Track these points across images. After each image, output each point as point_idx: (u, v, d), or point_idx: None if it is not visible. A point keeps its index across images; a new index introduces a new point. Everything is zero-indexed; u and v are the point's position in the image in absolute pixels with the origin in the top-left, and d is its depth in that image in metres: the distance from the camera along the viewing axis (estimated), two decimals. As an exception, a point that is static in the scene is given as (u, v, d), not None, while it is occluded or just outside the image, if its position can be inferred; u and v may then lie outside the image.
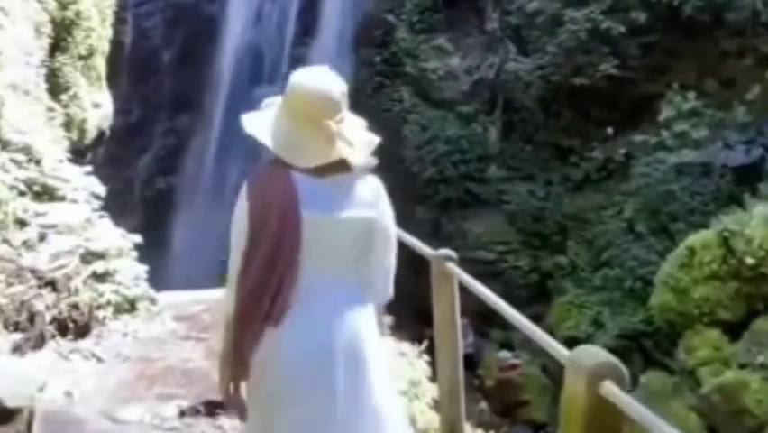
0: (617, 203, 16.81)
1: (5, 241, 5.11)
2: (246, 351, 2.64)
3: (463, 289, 4.23)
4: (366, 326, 2.75)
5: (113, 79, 19.27)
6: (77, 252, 5.42)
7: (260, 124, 2.86)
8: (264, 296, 2.62)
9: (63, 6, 12.57)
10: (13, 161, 5.66)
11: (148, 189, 21.93)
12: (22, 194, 5.67)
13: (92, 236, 5.67)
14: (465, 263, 14.98)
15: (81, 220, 5.71)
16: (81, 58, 13.28)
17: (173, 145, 22.09)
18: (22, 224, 5.41)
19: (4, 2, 7.55)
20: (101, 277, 5.55)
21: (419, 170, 19.30)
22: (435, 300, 4.27)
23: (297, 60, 20.79)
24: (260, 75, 20.73)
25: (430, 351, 5.19)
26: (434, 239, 19.06)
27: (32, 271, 5.08)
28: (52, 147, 6.31)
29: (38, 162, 6.01)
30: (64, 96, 12.86)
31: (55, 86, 12.58)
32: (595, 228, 16.66)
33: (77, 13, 12.84)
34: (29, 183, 5.78)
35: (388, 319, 4.99)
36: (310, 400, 2.60)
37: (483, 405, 13.88)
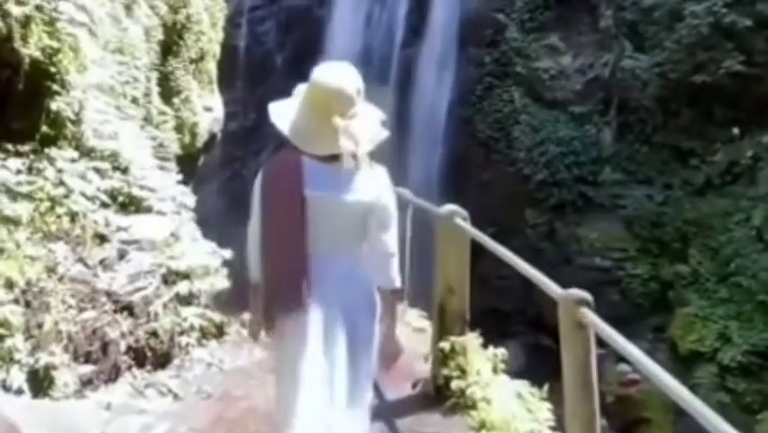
0: (744, 209, 15.22)
1: (81, 260, 4.46)
2: (274, 315, 3.03)
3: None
4: (363, 297, 3.11)
5: (228, 83, 19.00)
6: (159, 271, 4.73)
7: (284, 112, 3.11)
8: (284, 267, 3.00)
9: (174, 10, 12.16)
10: (95, 169, 5.03)
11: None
12: (104, 205, 5.03)
13: (177, 253, 4.97)
14: (580, 270, 13.79)
15: (166, 234, 5.03)
16: (192, 61, 12.86)
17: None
18: (101, 239, 4.76)
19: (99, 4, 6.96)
20: (185, 299, 4.85)
21: (531, 173, 18.21)
22: (565, 352, 3.23)
23: (407, 62, 20.02)
24: (370, 77, 19.97)
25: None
26: (548, 244, 18.11)
27: (108, 295, 4.41)
28: (142, 153, 5.65)
29: (124, 171, 5.37)
30: (176, 100, 12.46)
31: (167, 90, 12.20)
32: (720, 236, 15.11)
33: (188, 17, 12.41)
34: (113, 193, 5.14)
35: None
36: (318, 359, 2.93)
37: (603, 422, 12.66)
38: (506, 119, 19.14)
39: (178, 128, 12.35)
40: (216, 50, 13.68)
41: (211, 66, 13.30)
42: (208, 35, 13.01)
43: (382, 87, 19.73)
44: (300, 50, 19.78)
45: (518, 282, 17.97)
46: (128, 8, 10.12)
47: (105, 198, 5.05)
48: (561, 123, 18.86)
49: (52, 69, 4.47)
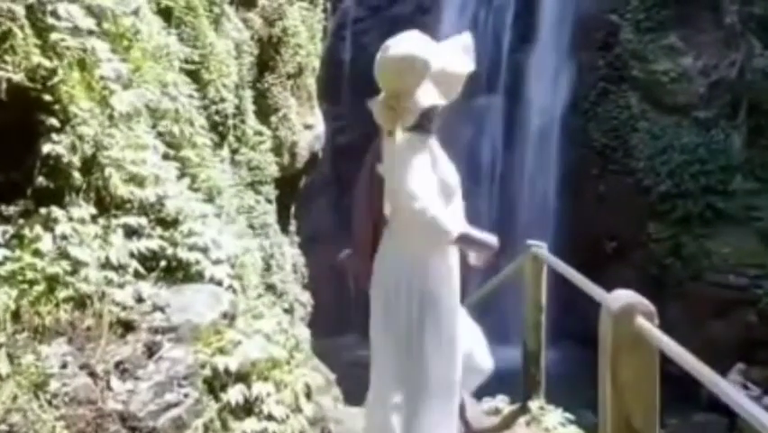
0: None
1: (87, 366, 2.95)
2: None
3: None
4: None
5: (333, 98, 17.65)
6: (201, 374, 3.17)
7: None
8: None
9: (269, 23, 10.75)
10: (125, 228, 3.52)
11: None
12: (138, 276, 3.52)
13: (231, 340, 3.41)
14: (712, 288, 11.56)
15: (217, 315, 3.47)
16: (290, 77, 11.42)
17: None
18: (125, 328, 3.24)
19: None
20: (241, 411, 3.27)
21: (652, 184, 15.99)
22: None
23: (516, 68, 18.12)
24: (478, 84, 18.20)
25: None
26: (674, 260, 15.87)
27: (122, 419, 2.88)
28: (194, 201, 4.11)
29: (171, 224, 3.85)
30: (273, 119, 11.06)
31: (263, 108, 10.82)
32: None
33: (284, 30, 10.98)
34: (151, 259, 3.62)
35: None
36: None
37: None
38: (622, 126, 17.00)
39: (276, 149, 10.94)
40: (316, 64, 12.20)
41: (310, 81, 11.82)
42: (306, 49, 11.54)
43: (491, 96, 17.91)
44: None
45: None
46: (215, 22, 8.73)
47: (137, 265, 3.52)
48: (684, 129, 16.59)
49: (46, 98, 2.96)
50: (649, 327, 2.61)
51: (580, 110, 17.44)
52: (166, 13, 7.32)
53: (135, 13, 3.84)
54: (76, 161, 3.16)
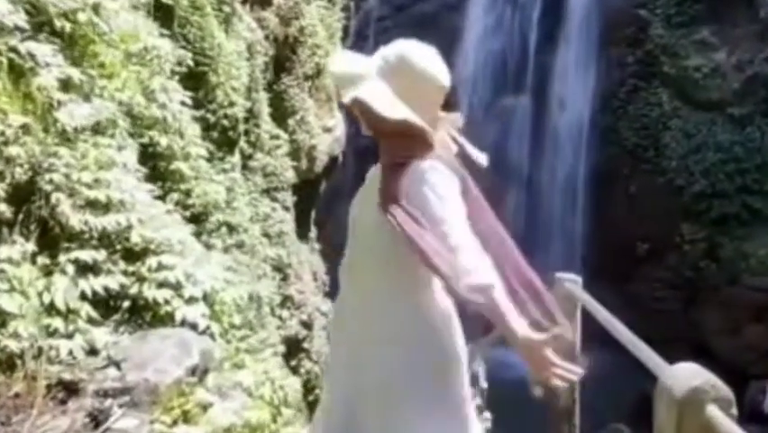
0: None
1: (8, 446, 2.31)
2: None
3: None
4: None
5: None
6: (157, 452, 2.50)
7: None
8: None
9: (285, 22, 10.09)
10: (77, 264, 2.87)
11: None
12: (92, 322, 2.87)
13: (198, 402, 2.73)
14: (750, 292, 10.65)
15: (183, 371, 2.80)
16: (308, 78, 10.77)
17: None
18: (68, 391, 2.60)
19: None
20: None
21: (686, 183, 15.06)
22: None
23: (543, 67, 17.25)
24: (504, 84, 17.38)
25: None
26: (709, 262, 14.93)
27: None
28: (170, 227, 3.44)
29: (137, 257, 3.20)
30: (290, 122, 10.42)
31: (279, 110, 10.18)
32: None
33: (301, 30, 10.31)
34: (107, 299, 2.98)
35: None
36: None
37: None
38: (654, 124, 16.08)
39: (294, 153, 10.29)
40: (335, 64, 11.51)
41: (328, 82, 11.14)
42: (325, 48, 10.86)
43: (518, 96, 17.08)
44: (430, 60, 17.41)
45: (676, 304, 15.02)
46: (225, 21, 8.09)
47: (90, 309, 2.87)
48: (718, 126, 15.62)
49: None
50: (725, 420, 1.87)
51: (609, 108, 16.55)
52: (167, 13, 6.71)
53: (95, 9, 3.17)
54: (2, 189, 2.50)
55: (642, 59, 17.06)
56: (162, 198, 4.38)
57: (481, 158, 2.11)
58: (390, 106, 1.96)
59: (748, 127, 15.46)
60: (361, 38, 17.72)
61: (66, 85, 2.89)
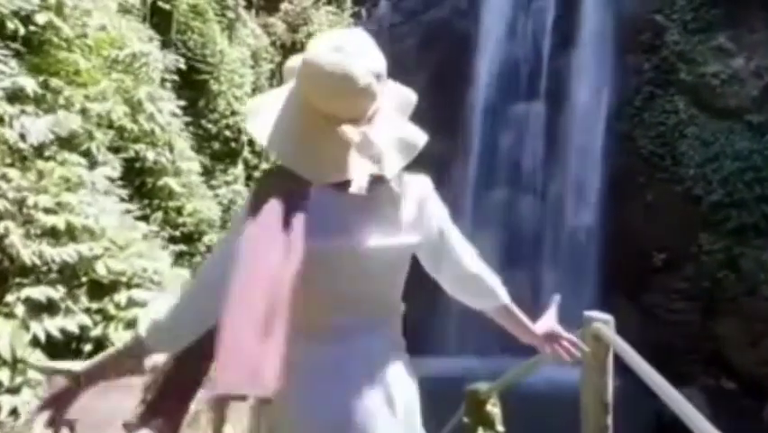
0: None
1: None
2: None
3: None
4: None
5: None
6: None
7: (268, 112, 1.49)
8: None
9: (293, 28, 9.70)
10: (28, 302, 2.44)
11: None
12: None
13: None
14: (767, 304, 10.00)
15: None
16: (316, 86, 10.35)
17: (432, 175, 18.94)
18: None
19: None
20: None
21: (703, 192, 14.51)
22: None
23: (557, 74, 16.75)
24: (517, 91, 16.89)
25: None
26: (728, 273, 14.38)
27: None
28: (145, 257, 3.00)
29: (104, 292, 2.77)
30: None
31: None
32: None
33: (309, 35, 9.90)
34: (65, 342, 2.55)
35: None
36: None
37: None
38: (670, 132, 15.54)
39: (302, 162, 9.83)
40: (345, 71, 11.11)
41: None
42: (334, 55, 10.45)
43: (531, 102, 16.59)
44: (442, 65, 16.98)
45: (693, 315, 14.48)
46: (229, 28, 7.68)
47: (43, 356, 2.43)
48: (736, 134, 15.04)
49: None
50: None
51: (625, 116, 16.03)
52: (165, 19, 6.30)
53: (57, 11, 2.75)
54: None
55: (658, 66, 16.51)
56: (146, 217, 3.93)
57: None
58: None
59: (767, 135, 14.90)
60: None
61: (17, 96, 2.46)
